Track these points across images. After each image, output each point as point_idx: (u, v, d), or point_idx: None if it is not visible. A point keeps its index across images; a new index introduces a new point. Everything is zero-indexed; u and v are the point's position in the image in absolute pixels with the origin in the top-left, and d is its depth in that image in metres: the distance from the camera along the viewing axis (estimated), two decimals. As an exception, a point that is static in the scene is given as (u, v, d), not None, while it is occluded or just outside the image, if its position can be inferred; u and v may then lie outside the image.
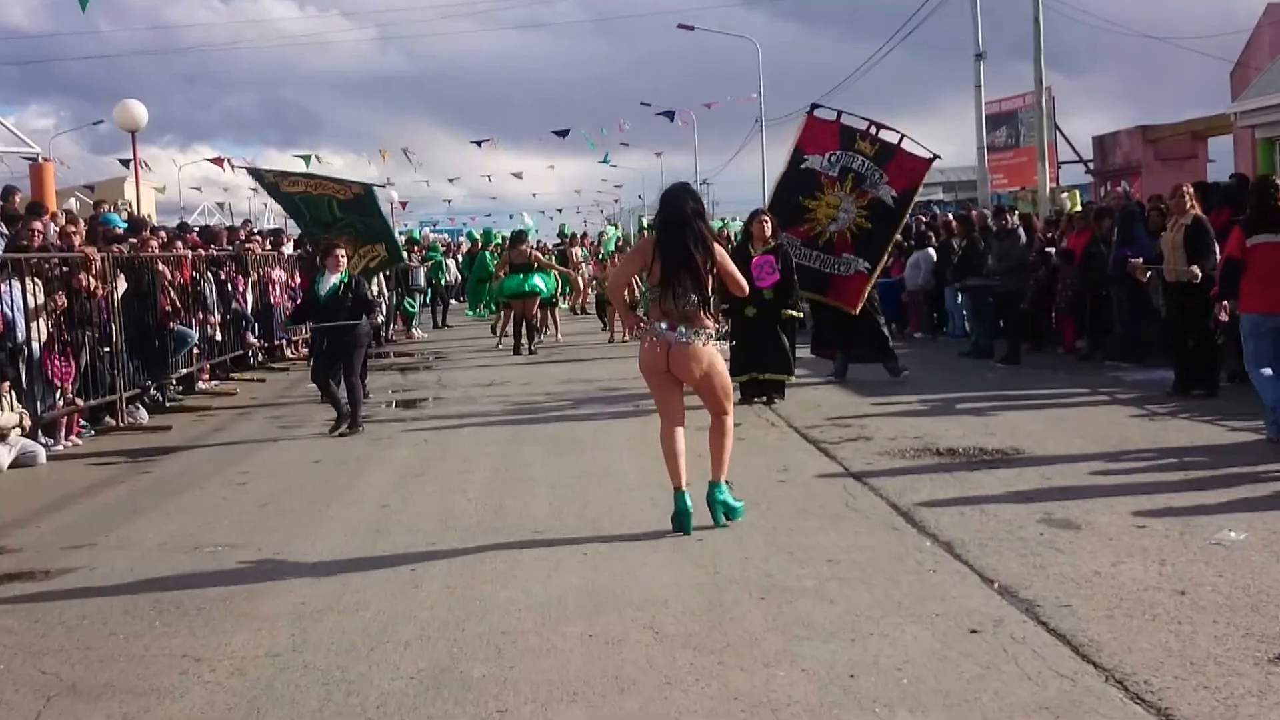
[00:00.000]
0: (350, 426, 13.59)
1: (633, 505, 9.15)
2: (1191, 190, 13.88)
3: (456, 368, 21.51)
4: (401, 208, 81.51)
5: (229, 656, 6.15)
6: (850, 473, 10.10)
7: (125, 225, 18.33)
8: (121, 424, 14.80)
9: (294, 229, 26.05)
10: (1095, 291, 17.41)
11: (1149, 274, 14.69)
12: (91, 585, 7.69)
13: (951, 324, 22.33)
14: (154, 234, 17.68)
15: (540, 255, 25.02)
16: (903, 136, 15.50)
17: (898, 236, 16.21)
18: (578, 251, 30.58)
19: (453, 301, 37.13)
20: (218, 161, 49.37)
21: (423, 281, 30.78)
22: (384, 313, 25.90)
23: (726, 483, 8.44)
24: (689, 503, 8.13)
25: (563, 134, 52.79)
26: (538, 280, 23.61)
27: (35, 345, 13.00)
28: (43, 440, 13.02)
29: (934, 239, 22.94)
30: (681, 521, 8.11)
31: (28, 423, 12.45)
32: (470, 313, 34.16)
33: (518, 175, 73.11)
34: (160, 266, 16.63)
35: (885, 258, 15.85)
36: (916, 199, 16.27)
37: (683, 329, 8.12)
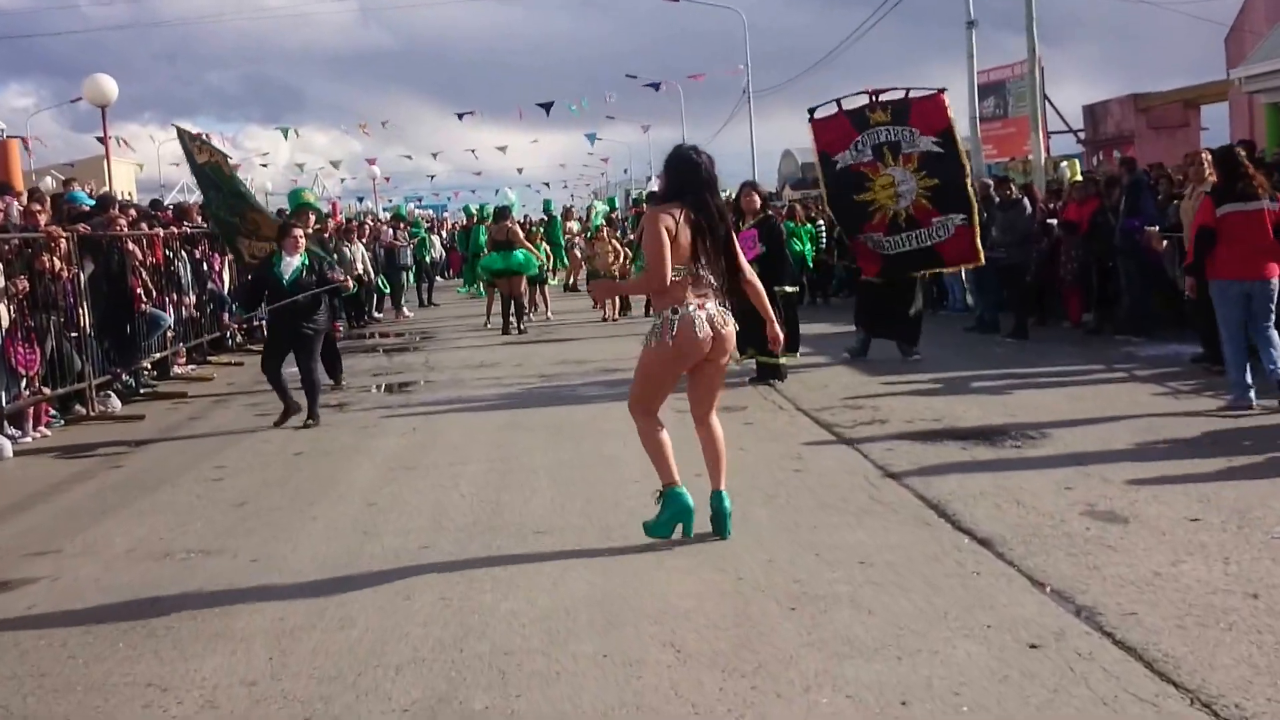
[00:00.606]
0: (309, 418, 12.85)
1: (640, 499, 8.45)
2: (1210, 157, 13.24)
3: (444, 348, 20.78)
4: (385, 182, 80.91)
5: (199, 685, 5.49)
6: (870, 459, 9.46)
7: (92, 203, 17.54)
8: (92, 413, 14.11)
9: (276, 204, 25.33)
10: (1102, 263, 16.78)
11: (1165, 243, 14.08)
12: (52, 599, 7.03)
13: (951, 298, 21.72)
14: (122, 211, 16.87)
15: (519, 232, 24.23)
16: (908, 90, 14.91)
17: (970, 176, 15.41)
18: (573, 226, 29.71)
19: (439, 279, 36.41)
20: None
21: (410, 259, 29.94)
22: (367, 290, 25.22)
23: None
24: (691, 499, 7.38)
25: (547, 107, 52.10)
26: (520, 257, 22.93)
27: (-3, 332, 12.28)
28: (9, 432, 12.35)
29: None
30: (689, 521, 7.37)
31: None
32: (463, 290, 33.48)
33: (502, 149, 72.29)
34: (130, 246, 15.88)
35: (974, 199, 15.09)
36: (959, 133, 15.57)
37: (719, 306, 7.34)
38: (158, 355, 16.92)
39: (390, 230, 30.88)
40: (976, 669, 5.11)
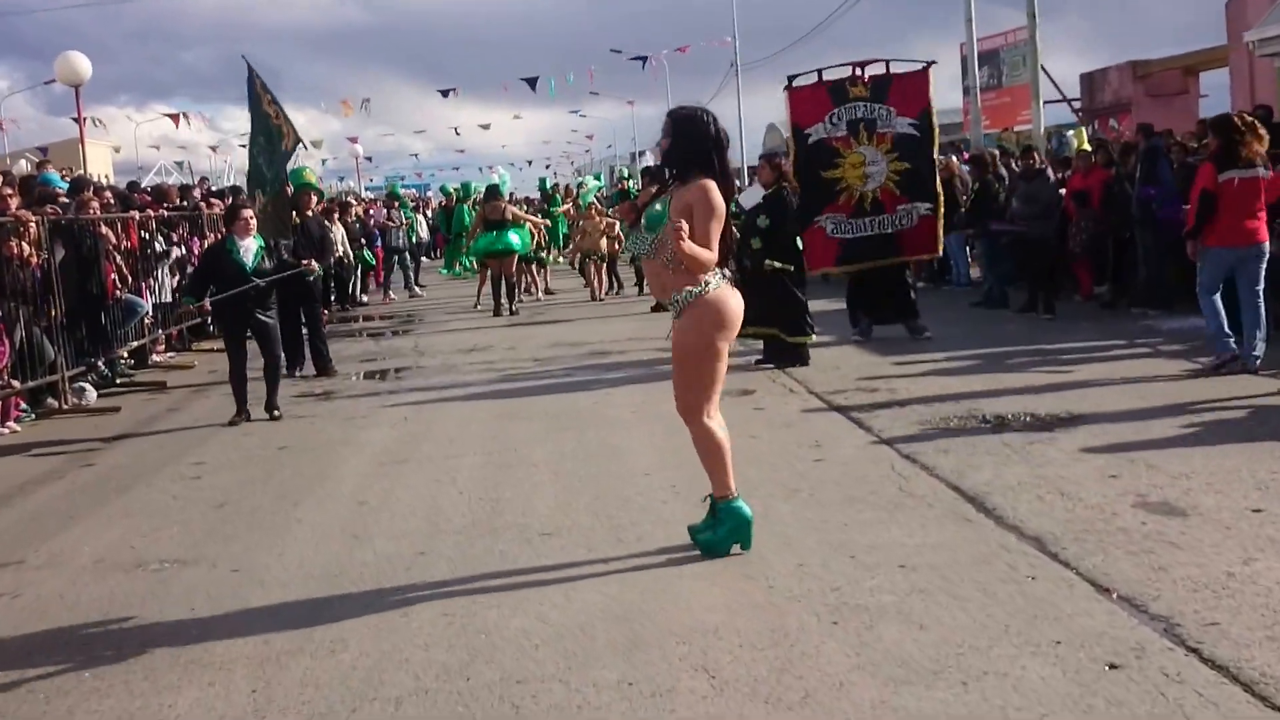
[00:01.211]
0: (271, 411, 12.14)
1: (652, 495, 7.88)
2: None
3: (434, 332, 20.08)
4: (368, 161, 79.95)
5: (173, 725, 4.87)
6: (894, 447, 8.84)
7: (66, 186, 16.83)
8: (66, 406, 13.44)
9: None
10: (1118, 234, 16.14)
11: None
12: (12, 620, 6.37)
13: (955, 272, 21.07)
14: (96, 194, 16.17)
15: (515, 209, 23.57)
16: (888, 63, 14.33)
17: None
18: (570, 209, 28.73)
19: (424, 259, 35.61)
20: (174, 117, 47.68)
21: (402, 241, 29.08)
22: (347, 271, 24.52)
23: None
24: (749, 509, 6.64)
25: (531, 82, 51.23)
26: (512, 237, 22.24)
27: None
28: (-25, 429, 11.69)
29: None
30: (748, 535, 6.57)
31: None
32: (445, 271, 32.76)
33: (485, 126, 71.49)
34: (104, 229, 15.18)
35: (939, 188, 14.53)
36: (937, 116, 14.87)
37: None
38: (135, 343, 16.23)
39: (385, 210, 30.01)
40: (1055, 696, 4.50)
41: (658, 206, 6.57)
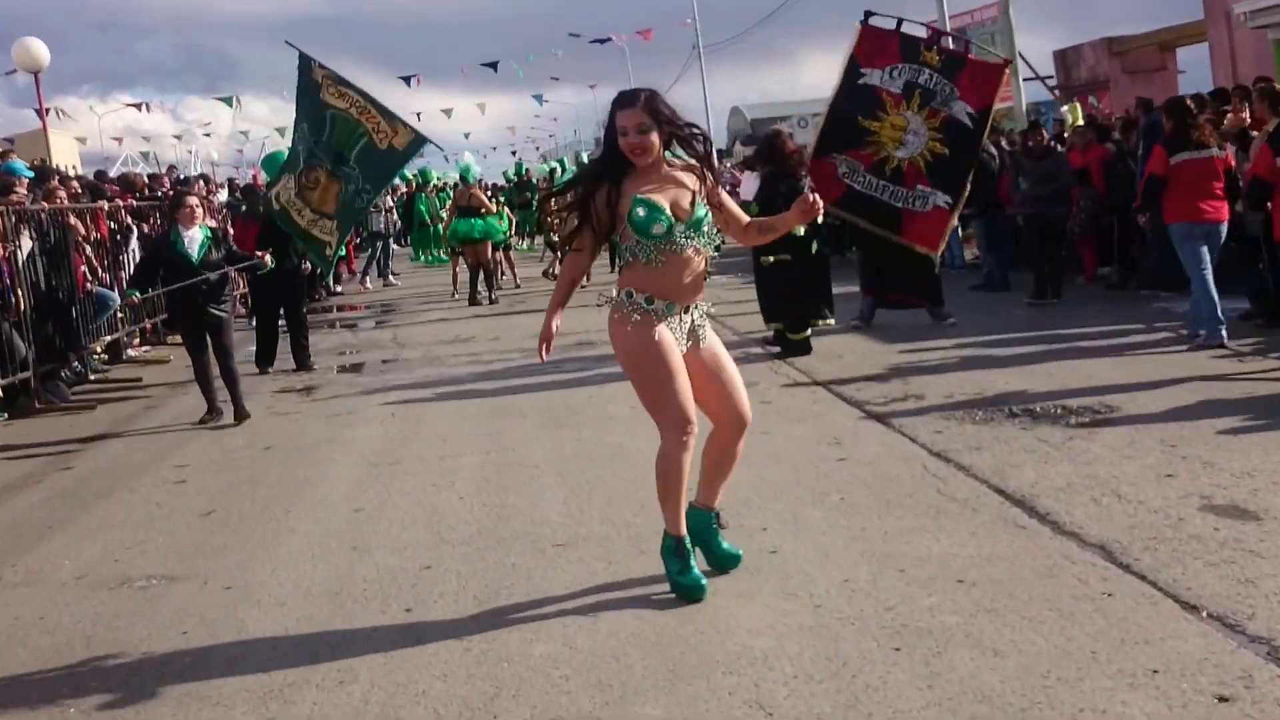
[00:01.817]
0: (237, 416, 11.47)
1: (668, 500, 7.37)
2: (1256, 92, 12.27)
3: (412, 322, 19.51)
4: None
5: (171, 776, 4.36)
6: (920, 444, 8.32)
7: (32, 175, 16.21)
8: (39, 405, 12.86)
9: (224, 175, 23.82)
10: (1122, 212, 15.66)
11: None
12: (-15, 648, 5.85)
13: (950, 255, 20.54)
14: (63, 183, 15.56)
15: (481, 196, 22.94)
16: (969, 43, 13.64)
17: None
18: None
19: (394, 247, 34.92)
20: (137, 106, 46.89)
21: (382, 226, 28.39)
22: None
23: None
24: None
25: (492, 66, 50.46)
26: (484, 224, 21.74)
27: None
28: (-58, 431, 11.11)
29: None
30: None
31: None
32: (415, 259, 32.19)
33: (447, 113, 70.50)
34: (73, 220, 14.57)
35: (966, 190, 13.62)
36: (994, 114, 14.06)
37: None
38: (108, 338, 15.65)
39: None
40: (1162, 736, 4.02)
41: (692, 205, 5.87)
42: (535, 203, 27.32)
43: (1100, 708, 4.23)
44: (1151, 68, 35.64)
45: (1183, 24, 34.02)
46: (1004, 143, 18.75)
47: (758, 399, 10.31)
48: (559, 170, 27.59)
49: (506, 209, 25.14)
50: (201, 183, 24.43)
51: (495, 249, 23.30)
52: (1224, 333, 11.13)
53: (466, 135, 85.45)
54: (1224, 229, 11.48)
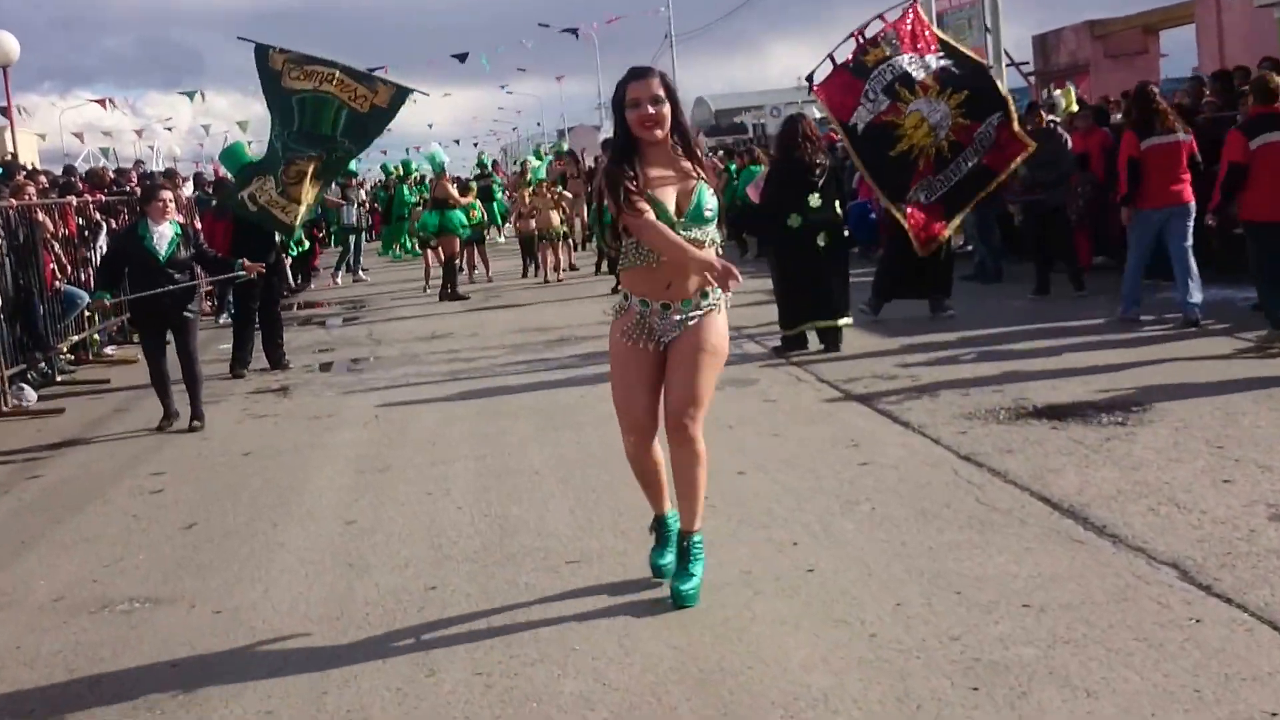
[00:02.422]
0: (194, 420, 10.88)
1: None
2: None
3: (386, 318, 18.95)
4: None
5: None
6: (945, 445, 7.90)
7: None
8: (5, 408, 12.34)
9: (188, 169, 23.17)
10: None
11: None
12: (-43, 684, 5.39)
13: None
14: (31, 179, 15.02)
15: (449, 188, 22.40)
16: (881, 15, 13.26)
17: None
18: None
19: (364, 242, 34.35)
20: (101, 102, 46.12)
21: (356, 219, 27.78)
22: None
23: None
24: None
25: (461, 57, 49.90)
26: (462, 217, 21.30)
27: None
28: (-97, 438, 10.58)
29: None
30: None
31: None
32: (384, 253, 31.67)
33: (412, 102, 69.90)
34: (40, 216, 14.04)
35: (1003, 92, 13.29)
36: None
37: None
38: (75, 338, 15.11)
39: (337, 189, 28.50)
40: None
41: (710, 194, 5.55)
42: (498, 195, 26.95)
43: (1209, 756, 3.82)
44: (1134, 51, 35.39)
45: (1169, 5, 33.75)
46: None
47: (760, 398, 10.05)
48: (532, 161, 27.04)
49: (479, 201, 24.72)
50: (165, 178, 23.81)
51: (467, 243, 22.88)
52: (1137, 312, 12.09)
53: (430, 126, 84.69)
54: (1190, 208, 11.93)
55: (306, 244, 25.20)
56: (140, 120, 68.44)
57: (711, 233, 5.55)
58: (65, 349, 14.70)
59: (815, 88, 13.31)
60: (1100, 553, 5.72)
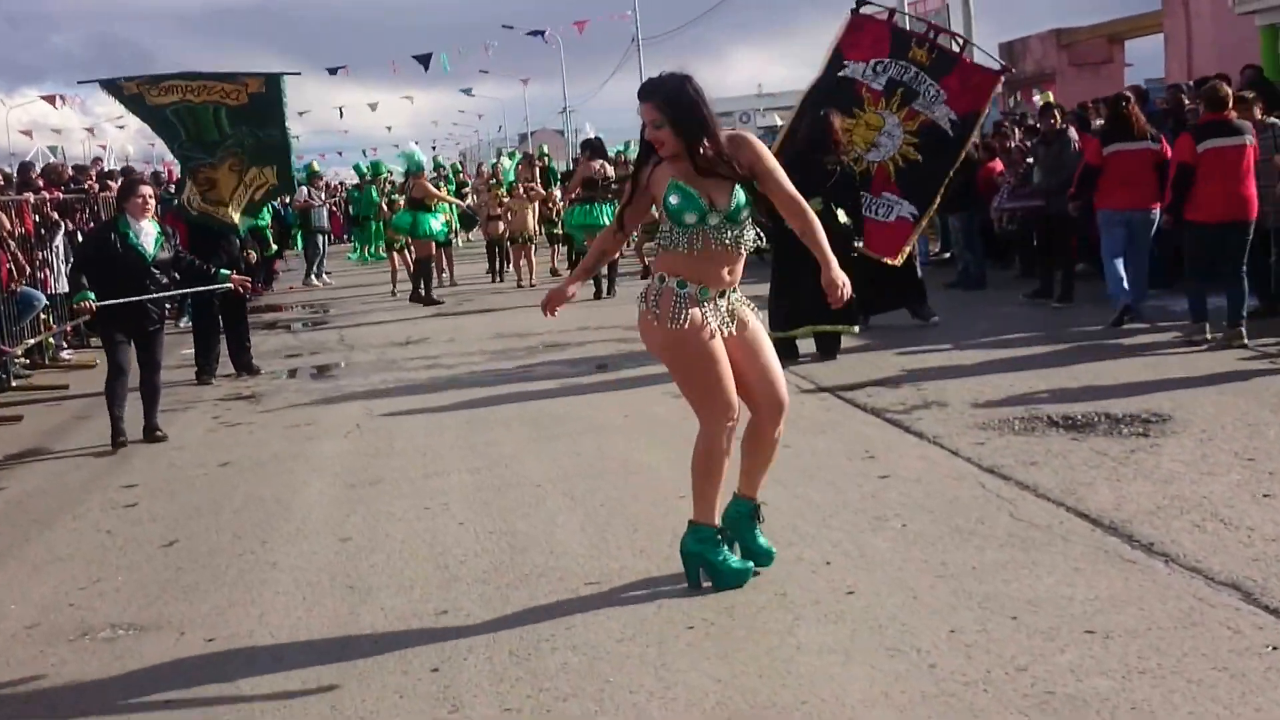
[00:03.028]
0: (152, 432, 10.22)
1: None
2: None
3: (357, 323, 18.36)
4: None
5: None
6: (964, 458, 7.50)
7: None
8: (-39, 415, 11.78)
9: (141, 168, 22.54)
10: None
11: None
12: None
13: (921, 250, 19.80)
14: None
15: (428, 187, 21.84)
16: (966, 43, 12.86)
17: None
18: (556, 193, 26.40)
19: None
20: (50, 99, 45.27)
21: (326, 221, 27.13)
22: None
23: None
24: None
25: (424, 60, 49.30)
26: (433, 221, 20.78)
27: None
28: None
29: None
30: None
31: None
32: (352, 257, 31.13)
33: (373, 106, 69.21)
34: (-4, 216, 13.48)
35: (936, 202, 12.74)
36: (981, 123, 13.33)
37: None
38: (31, 341, 14.53)
39: (306, 190, 27.73)
40: None
41: (731, 195, 5.44)
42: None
43: (1348, 808, 3.43)
44: (1099, 60, 35.40)
45: (1137, 15, 33.74)
46: (1018, 133, 17.89)
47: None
48: (504, 162, 26.61)
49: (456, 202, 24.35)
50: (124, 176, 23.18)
51: (439, 246, 22.39)
52: (1127, 295, 12.10)
53: (389, 129, 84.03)
54: (1154, 215, 12.07)
55: (275, 247, 24.75)
56: (90, 118, 67.45)
57: (745, 239, 5.55)
58: (20, 353, 14.11)
59: (855, 13, 12.65)
60: (1154, 573, 5.33)
